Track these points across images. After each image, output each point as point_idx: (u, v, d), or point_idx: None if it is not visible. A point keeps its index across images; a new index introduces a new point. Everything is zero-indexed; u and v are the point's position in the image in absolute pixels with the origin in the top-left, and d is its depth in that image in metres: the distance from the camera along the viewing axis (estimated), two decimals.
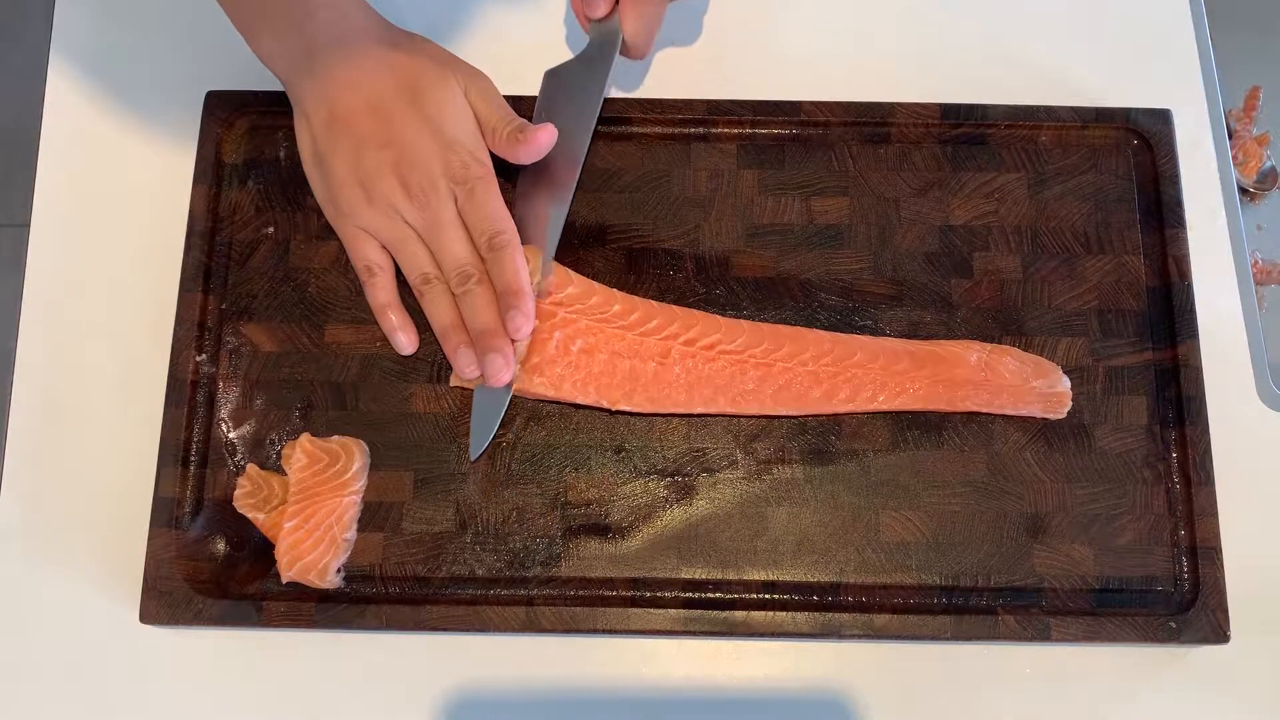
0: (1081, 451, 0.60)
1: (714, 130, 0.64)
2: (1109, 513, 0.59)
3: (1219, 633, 0.56)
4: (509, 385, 0.58)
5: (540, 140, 0.58)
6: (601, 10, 0.61)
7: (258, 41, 0.59)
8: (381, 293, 0.60)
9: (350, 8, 0.59)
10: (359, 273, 0.60)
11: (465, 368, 0.58)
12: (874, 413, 0.60)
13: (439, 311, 0.59)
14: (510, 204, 0.60)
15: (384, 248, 0.60)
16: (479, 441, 0.58)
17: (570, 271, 0.61)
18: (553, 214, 0.61)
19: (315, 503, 0.57)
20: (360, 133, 0.58)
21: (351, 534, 0.58)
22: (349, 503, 0.57)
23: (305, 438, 0.58)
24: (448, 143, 0.58)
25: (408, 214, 0.59)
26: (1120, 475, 0.59)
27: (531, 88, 0.64)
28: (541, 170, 0.61)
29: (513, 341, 0.58)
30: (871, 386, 0.60)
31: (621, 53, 0.62)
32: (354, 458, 0.58)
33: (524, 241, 0.59)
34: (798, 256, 0.63)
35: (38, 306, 0.64)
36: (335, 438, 0.59)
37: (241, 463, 0.59)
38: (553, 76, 0.63)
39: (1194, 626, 0.56)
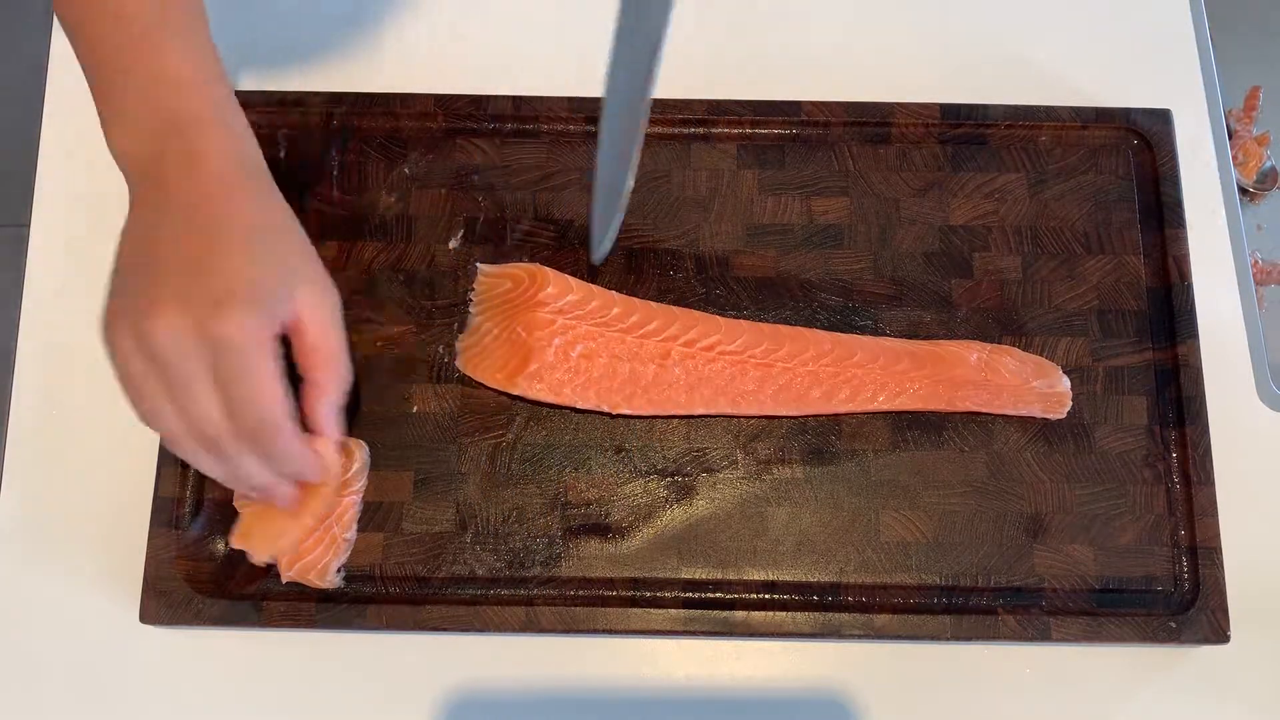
0: (1081, 451, 0.60)
1: (714, 130, 0.64)
2: (1109, 513, 0.59)
3: (1219, 633, 0.56)
4: (628, 186, 0.53)
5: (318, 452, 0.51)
6: None
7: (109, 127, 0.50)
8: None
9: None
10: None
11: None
12: (874, 413, 0.60)
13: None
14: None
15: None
16: (600, 239, 0.56)
17: (570, 278, 0.61)
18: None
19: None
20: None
21: (351, 534, 0.58)
22: (349, 503, 0.57)
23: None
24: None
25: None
26: (1120, 475, 0.59)
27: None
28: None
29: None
30: (871, 386, 0.60)
31: None
32: (354, 458, 0.58)
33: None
34: (798, 256, 0.63)
35: (38, 306, 0.64)
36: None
37: None
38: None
39: (1194, 626, 0.56)
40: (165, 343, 0.46)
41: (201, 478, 0.58)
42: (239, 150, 0.50)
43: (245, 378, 0.47)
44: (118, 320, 0.48)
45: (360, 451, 0.58)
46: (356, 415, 0.60)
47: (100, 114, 0.50)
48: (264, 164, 0.51)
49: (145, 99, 0.49)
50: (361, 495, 0.58)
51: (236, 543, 0.55)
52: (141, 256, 0.49)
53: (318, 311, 0.50)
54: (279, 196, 0.52)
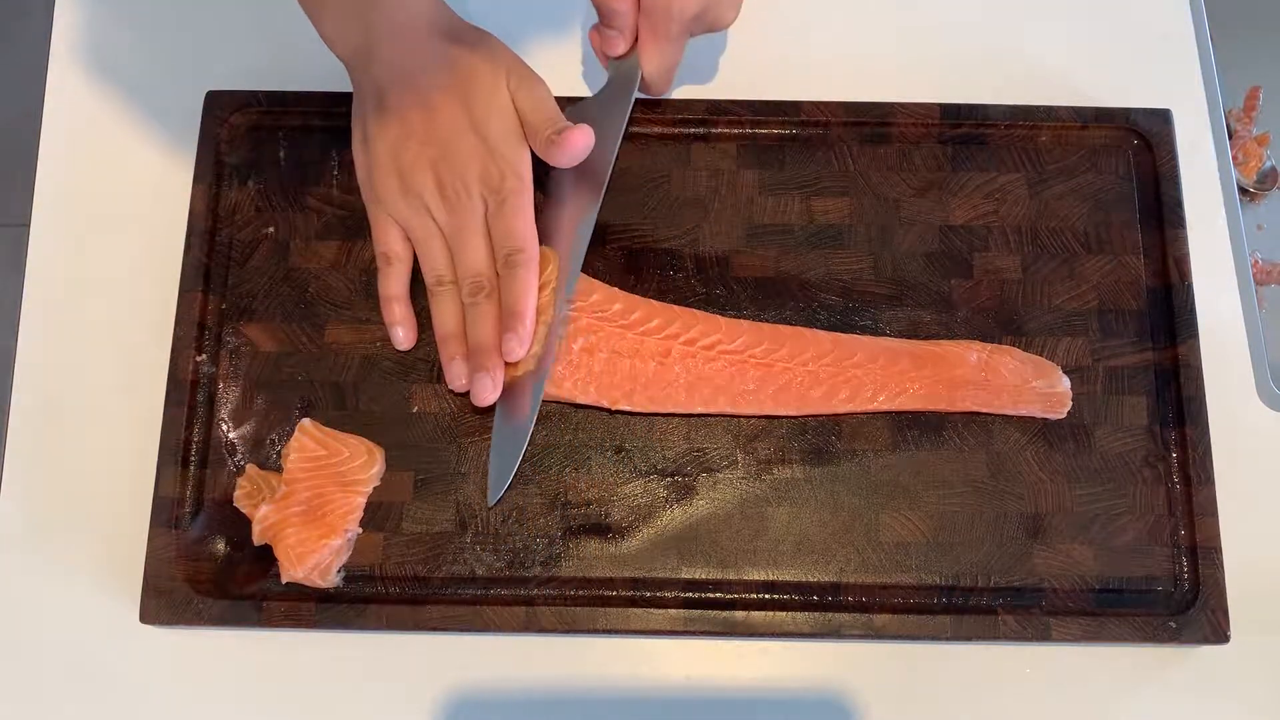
0: (1081, 451, 0.60)
1: (714, 130, 0.64)
2: (1109, 513, 0.59)
3: (1219, 633, 0.56)
4: (528, 425, 0.58)
5: (572, 141, 0.57)
6: (620, 49, 0.60)
7: (320, 22, 0.58)
8: (393, 283, 0.60)
9: None
10: (377, 259, 0.61)
11: (454, 379, 0.59)
12: (874, 413, 0.60)
13: (444, 317, 0.59)
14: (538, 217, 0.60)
15: (408, 240, 0.60)
16: (498, 485, 0.58)
17: None
18: (577, 234, 0.60)
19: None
20: (407, 125, 0.59)
21: (352, 534, 0.58)
22: (359, 503, 0.58)
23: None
24: (490, 149, 0.58)
25: (436, 213, 0.59)
26: (1120, 475, 0.59)
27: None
28: (564, 200, 0.61)
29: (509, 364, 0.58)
30: (871, 386, 0.60)
31: (641, 89, 0.61)
32: (375, 459, 0.58)
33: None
34: (798, 256, 0.63)
35: (38, 306, 0.64)
36: (353, 437, 0.59)
37: (241, 463, 0.59)
38: (574, 111, 0.62)
39: (1194, 626, 0.56)
40: (448, 189, 0.58)
41: (201, 478, 0.58)
42: (405, 7, 0.57)
43: (507, 204, 0.58)
44: (371, 206, 0.61)
45: (380, 456, 0.58)
46: (356, 414, 0.60)
47: (308, 12, 0.58)
48: (441, 7, 0.59)
49: None
50: (366, 495, 0.58)
51: (286, 574, 0.56)
52: (364, 141, 0.60)
53: (527, 103, 0.59)
54: (456, 26, 0.60)
